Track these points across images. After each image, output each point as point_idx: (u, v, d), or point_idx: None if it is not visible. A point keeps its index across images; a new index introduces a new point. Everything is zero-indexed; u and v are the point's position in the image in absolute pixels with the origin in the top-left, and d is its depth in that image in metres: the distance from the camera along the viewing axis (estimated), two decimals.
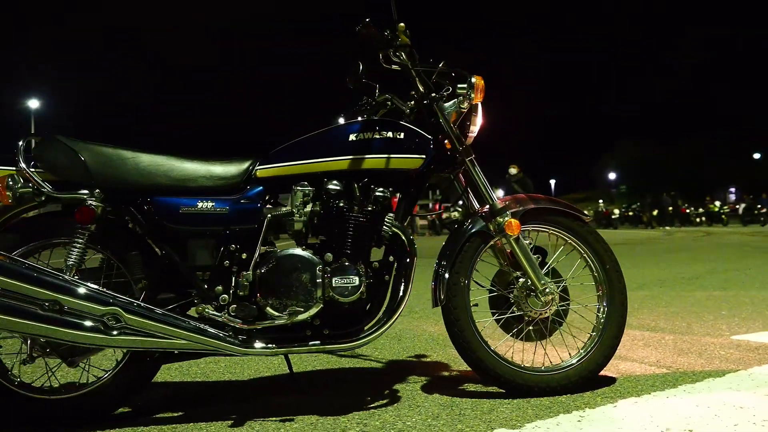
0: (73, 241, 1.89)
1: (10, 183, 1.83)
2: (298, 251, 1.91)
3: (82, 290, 1.79)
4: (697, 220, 28.48)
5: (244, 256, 1.94)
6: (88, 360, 2.00)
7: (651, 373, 2.29)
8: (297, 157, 2.01)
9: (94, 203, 1.88)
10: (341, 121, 2.33)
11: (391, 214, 1.99)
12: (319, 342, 1.91)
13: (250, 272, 1.89)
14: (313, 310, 1.88)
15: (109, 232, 1.95)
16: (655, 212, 26.50)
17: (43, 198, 1.89)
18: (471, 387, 2.18)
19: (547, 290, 2.05)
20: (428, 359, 2.67)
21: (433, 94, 2.09)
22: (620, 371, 2.31)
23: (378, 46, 2.01)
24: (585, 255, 2.17)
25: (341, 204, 1.95)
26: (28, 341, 1.86)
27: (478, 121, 2.13)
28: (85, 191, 1.90)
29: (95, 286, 1.83)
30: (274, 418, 1.87)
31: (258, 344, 1.88)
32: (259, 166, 2.01)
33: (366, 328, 1.93)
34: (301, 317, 1.86)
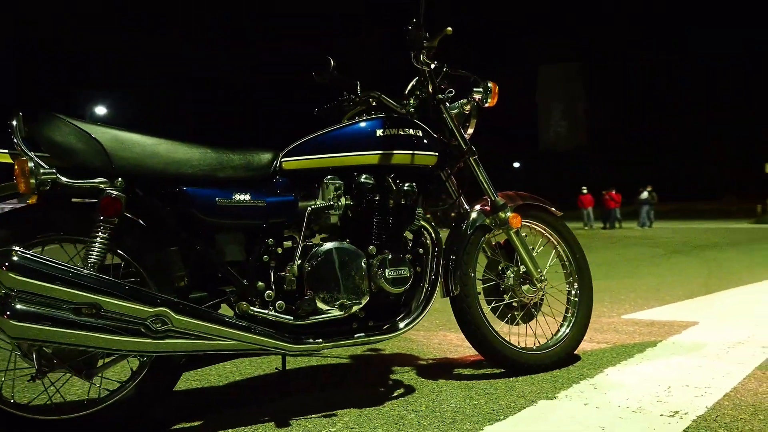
0: (93, 237, 1.74)
1: (32, 168, 1.63)
2: (344, 244, 1.98)
3: (126, 290, 1.67)
4: None
5: (279, 250, 1.95)
6: (102, 372, 1.83)
7: (598, 348, 2.74)
8: (325, 151, 2.06)
9: (115, 193, 1.75)
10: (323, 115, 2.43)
11: (420, 208, 2.15)
12: (363, 334, 1.99)
13: (295, 266, 1.91)
14: (363, 302, 1.96)
15: (129, 227, 1.81)
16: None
17: (47, 187, 1.70)
18: (466, 371, 2.42)
19: (542, 277, 2.38)
20: (390, 351, 2.84)
21: (440, 96, 2.29)
22: None
23: (412, 46, 2.16)
24: (559, 246, 2.54)
25: (377, 198, 2.06)
26: (34, 354, 1.67)
27: (475, 123, 2.39)
28: (102, 179, 1.76)
29: (137, 287, 1.71)
30: (315, 415, 1.91)
31: (307, 340, 1.90)
32: (284, 158, 2.03)
33: (402, 317, 2.07)
34: (353, 310, 1.94)
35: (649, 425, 1.70)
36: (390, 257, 2.01)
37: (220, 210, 1.86)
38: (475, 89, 2.32)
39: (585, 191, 23.50)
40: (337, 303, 1.92)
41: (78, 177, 1.73)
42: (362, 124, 2.13)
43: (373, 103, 2.34)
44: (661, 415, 1.78)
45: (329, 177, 2.04)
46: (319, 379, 2.42)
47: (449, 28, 2.14)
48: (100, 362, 1.78)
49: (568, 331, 2.47)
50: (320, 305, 1.91)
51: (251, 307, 1.86)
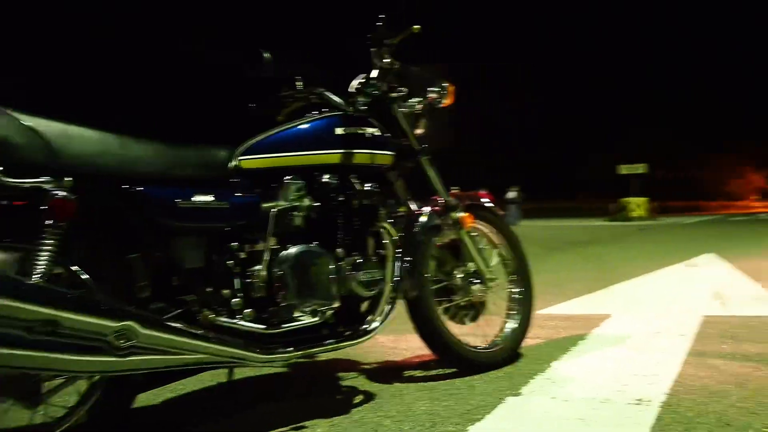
0: (39, 245, 1.55)
1: None
2: (312, 247, 1.92)
3: (88, 304, 1.51)
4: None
5: (243, 255, 1.85)
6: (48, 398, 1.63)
7: (532, 344, 2.85)
8: (285, 149, 1.99)
9: (64, 194, 1.58)
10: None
11: (382, 209, 2.13)
12: (334, 340, 1.94)
13: (264, 272, 1.82)
14: (335, 307, 1.91)
15: (78, 232, 1.64)
16: None
17: None
18: (417, 373, 2.43)
19: (493, 276, 2.45)
20: (326, 358, 2.79)
21: (394, 95, 2.29)
22: None
23: (374, 43, 2.13)
24: (501, 245, 2.63)
25: (341, 198, 2.02)
26: None
27: (425, 123, 2.41)
28: (47, 178, 1.58)
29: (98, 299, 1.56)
30: (283, 428, 1.84)
31: (278, 350, 1.82)
32: (242, 156, 1.93)
33: (371, 320, 2.04)
34: (326, 315, 1.88)
35: (623, 413, 1.81)
36: (360, 260, 1.98)
37: (180, 212, 1.74)
38: (430, 89, 2.34)
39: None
40: (309, 309, 1.86)
41: (17, 176, 1.54)
42: (321, 122, 2.08)
43: (315, 100, 2.30)
44: (628, 404, 1.90)
45: (290, 177, 1.97)
46: (264, 390, 2.33)
47: (416, 26, 2.14)
48: (46, 386, 1.60)
49: (515, 327, 2.55)
50: (292, 312, 1.84)
51: (218, 317, 1.75)
